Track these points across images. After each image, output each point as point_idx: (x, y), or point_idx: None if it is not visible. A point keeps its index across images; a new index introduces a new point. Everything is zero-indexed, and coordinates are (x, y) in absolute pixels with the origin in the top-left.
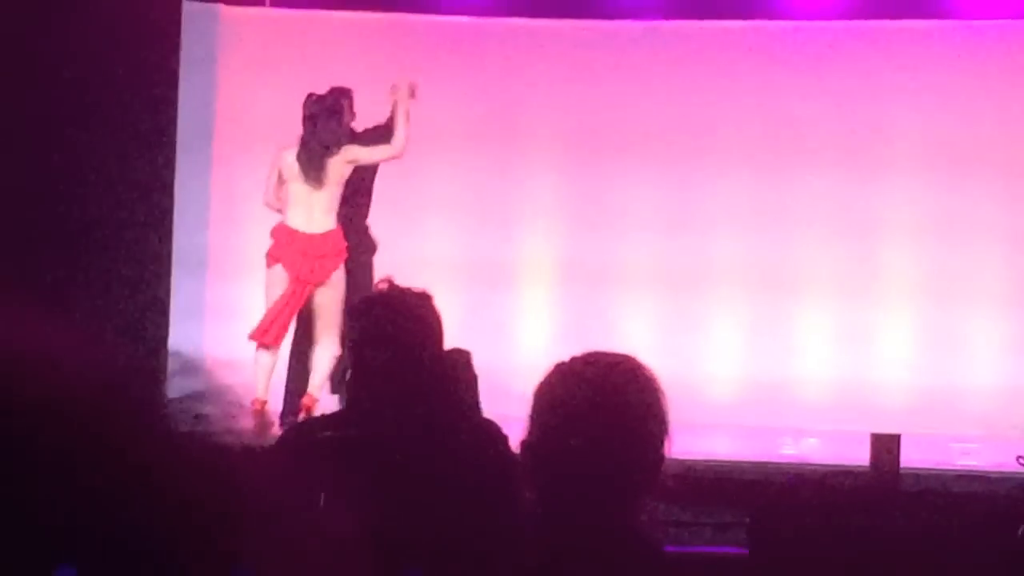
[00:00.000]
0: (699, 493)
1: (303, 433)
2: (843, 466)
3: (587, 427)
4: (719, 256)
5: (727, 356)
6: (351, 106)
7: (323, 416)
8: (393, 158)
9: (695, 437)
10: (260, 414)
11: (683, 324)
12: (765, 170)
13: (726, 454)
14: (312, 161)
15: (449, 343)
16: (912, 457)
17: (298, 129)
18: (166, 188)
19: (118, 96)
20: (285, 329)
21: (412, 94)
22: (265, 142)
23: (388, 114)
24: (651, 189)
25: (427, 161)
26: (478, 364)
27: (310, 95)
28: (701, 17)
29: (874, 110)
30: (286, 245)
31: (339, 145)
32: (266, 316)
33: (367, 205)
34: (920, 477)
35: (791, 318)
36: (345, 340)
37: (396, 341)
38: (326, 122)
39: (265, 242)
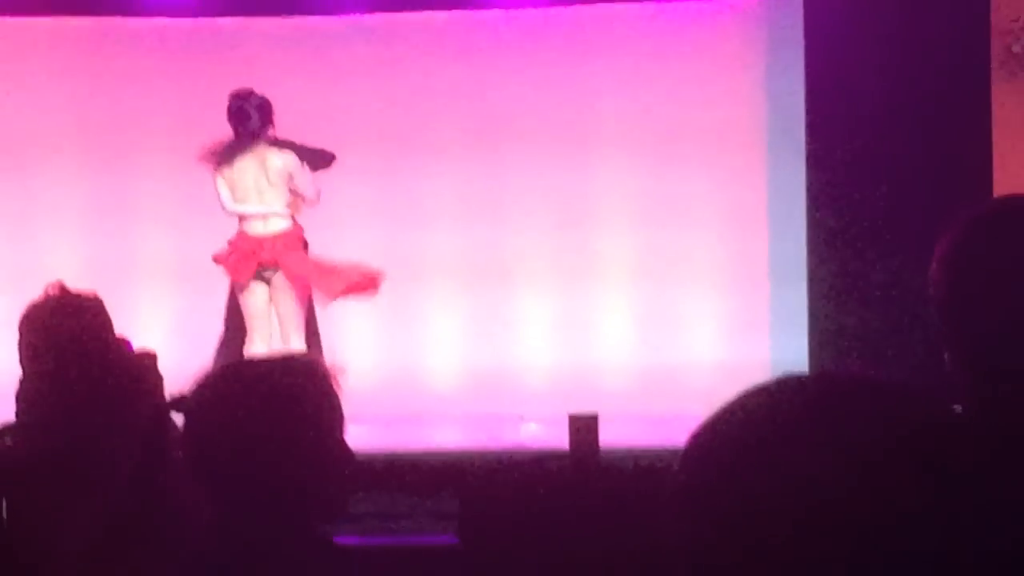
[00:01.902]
0: (417, 484)
1: None
2: (555, 450)
3: (251, 426)
4: (437, 248)
5: (449, 347)
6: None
7: (2, 426)
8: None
9: (420, 428)
10: None
11: (403, 316)
12: (478, 161)
13: (447, 443)
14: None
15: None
16: (639, 437)
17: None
18: None
19: None
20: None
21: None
22: None
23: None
24: (367, 184)
25: (138, 162)
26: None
27: (235, 92)
28: (403, 10)
29: (581, 96)
30: (243, 251)
31: (269, 138)
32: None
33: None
34: (627, 456)
35: (510, 306)
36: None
37: (64, 347)
38: (259, 115)
39: None
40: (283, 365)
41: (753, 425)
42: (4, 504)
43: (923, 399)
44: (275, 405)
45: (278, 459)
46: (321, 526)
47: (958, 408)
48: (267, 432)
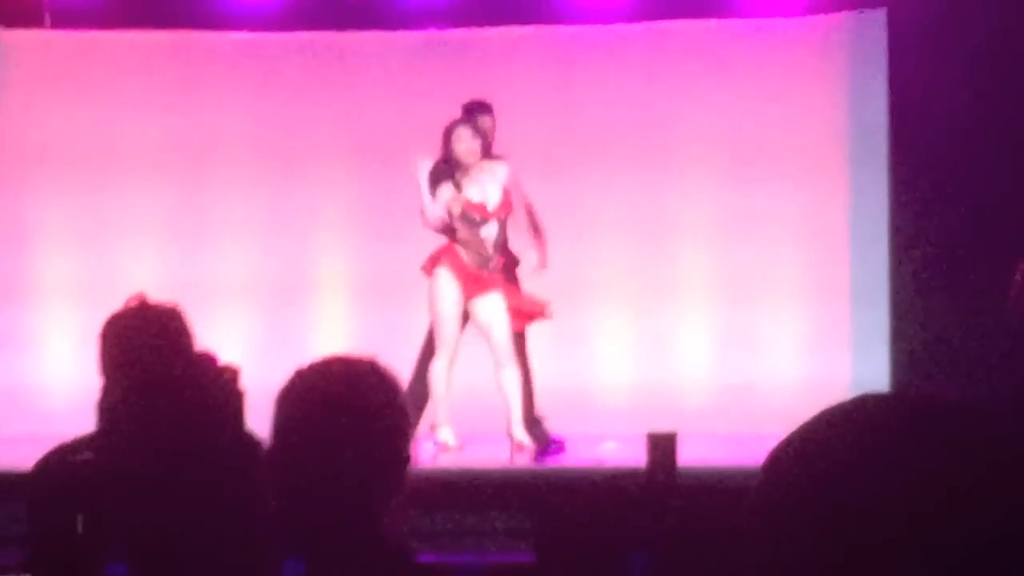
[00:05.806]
0: (494, 502)
1: (62, 455)
2: (633, 468)
3: (323, 430)
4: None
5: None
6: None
7: (81, 438)
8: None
9: (497, 446)
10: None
11: (478, 336)
12: (558, 175)
13: (522, 462)
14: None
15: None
16: (718, 456)
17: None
18: None
19: None
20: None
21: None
22: (50, 164)
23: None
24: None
25: (212, 179)
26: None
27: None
28: (484, 24)
29: (662, 113)
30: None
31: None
32: None
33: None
34: (706, 475)
35: (588, 324)
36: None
37: (144, 358)
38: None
39: (51, 267)
40: (364, 368)
41: (832, 445)
42: (80, 519)
43: (1004, 422)
44: (353, 406)
45: (353, 460)
46: (402, 542)
47: None
48: (343, 432)
